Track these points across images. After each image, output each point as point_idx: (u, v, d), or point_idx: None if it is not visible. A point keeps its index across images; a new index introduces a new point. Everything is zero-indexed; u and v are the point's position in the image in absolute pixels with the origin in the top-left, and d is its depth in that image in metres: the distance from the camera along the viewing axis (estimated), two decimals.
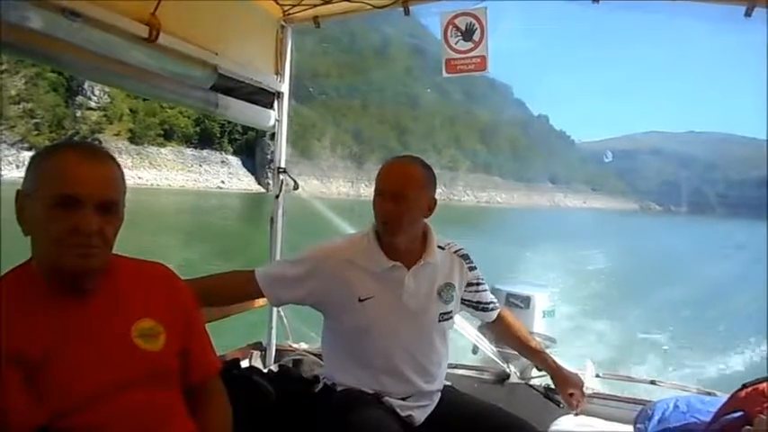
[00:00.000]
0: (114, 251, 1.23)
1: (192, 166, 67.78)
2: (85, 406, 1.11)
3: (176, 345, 1.28)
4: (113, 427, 1.14)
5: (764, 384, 1.73)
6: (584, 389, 2.04)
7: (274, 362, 2.89)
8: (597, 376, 2.69)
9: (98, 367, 1.15)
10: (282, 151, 2.88)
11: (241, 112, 2.63)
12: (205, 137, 69.75)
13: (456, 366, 2.68)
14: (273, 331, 2.90)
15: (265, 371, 2.52)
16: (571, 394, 1.98)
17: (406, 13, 2.60)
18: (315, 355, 2.78)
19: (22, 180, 1.16)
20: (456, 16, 2.57)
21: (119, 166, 1.22)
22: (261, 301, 2.22)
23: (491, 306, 2.08)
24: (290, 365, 2.79)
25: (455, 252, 1.98)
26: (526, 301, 3.57)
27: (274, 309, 2.83)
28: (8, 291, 1.13)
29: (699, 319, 9.86)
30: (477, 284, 2.02)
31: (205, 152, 69.68)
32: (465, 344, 2.82)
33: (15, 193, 1.16)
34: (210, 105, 2.43)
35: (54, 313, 1.14)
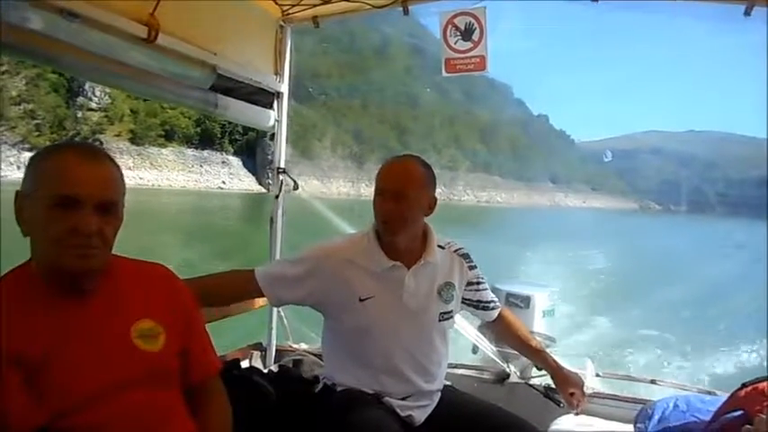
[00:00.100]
0: (114, 251, 1.23)
1: (192, 166, 67.85)
2: (85, 406, 1.11)
3: (176, 345, 1.28)
4: (113, 428, 1.14)
5: (764, 383, 1.74)
6: (585, 388, 2.04)
7: (274, 362, 2.89)
8: (597, 375, 2.69)
9: (98, 368, 1.15)
10: (282, 151, 2.88)
11: (240, 112, 2.62)
12: (206, 137, 69.83)
13: (456, 366, 2.68)
14: (273, 332, 2.90)
15: (265, 371, 2.52)
16: (572, 394, 1.98)
17: (406, 12, 2.59)
18: (315, 355, 2.78)
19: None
20: (455, 16, 2.57)
21: (118, 166, 1.22)
22: (261, 302, 2.22)
23: (492, 305, 2.07)
24: (291, 366, 2.79)
25: (455, 251, 1.98)
26: (526, 300, 3.57)
27: (274, 309, 2.83)
28: (8, 291, 1.13)
29: (699, 318, 9.87)
30: (478, 283, 2.02)
31: (206, 153, 69.76)
32: (465, 343, 2.82)
33: (14, 194, 1.16)
34: (210, 106, 2.43)
35: (54, 314, 1.14)
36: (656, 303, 10.53)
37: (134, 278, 1.29)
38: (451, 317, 1.96)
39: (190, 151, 68.85)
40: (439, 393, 1.94)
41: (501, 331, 2.19)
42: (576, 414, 2.07)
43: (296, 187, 2.87)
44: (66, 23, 1.72)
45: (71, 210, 1.11)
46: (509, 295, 3.54)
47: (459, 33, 2.57)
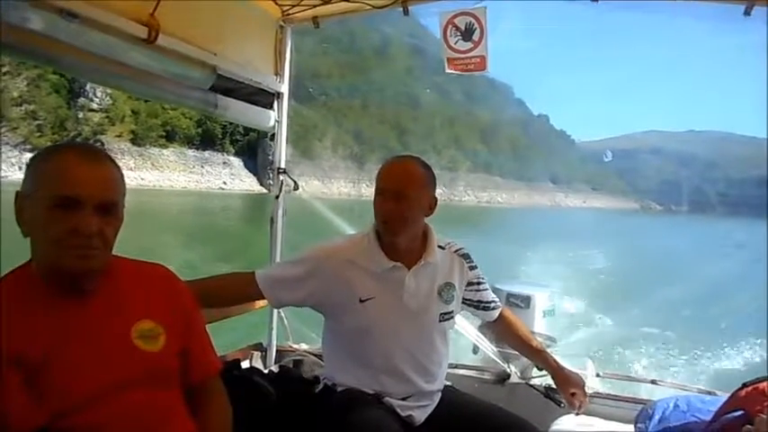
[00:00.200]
0: (116, 252, 1.23)
1: (193, 167, 67.95)
2: (85, 407, 1.11)
3: (176, 345, 1.28)
4: (113, 428, 1.14)
5: (765, 383, 1.73)
6: (585, 388, 2.03)
7: (275, 362, 2.89)
8: (598, 376, 2.69)
9: (98, 368, 1.15)
10: (282, 152, 2.88)
11: (240, 112, 2.62)
12: (207, 138, 69.93)
13: (456, 366, 2.67)
14: (274, 332, 2.90)
15: (266, 371, 2.52)
16: (573, 394, 1.98)
17: (406, 13, 2.59)
18: (315, 355, 2.78)
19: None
20: (455, 16, 2.57)
21: (118, 167, 1.22)
22: (261, 303, 2.22)
23: (492, 305, 2.07)
24: (291, 366, 2.79)
25: (455, 251, 1.98)
26: (526, 300, 3.57)
27: (275, 310, 2.82)
28: (8, 292, 1.13)
29: (699, 317, 9.87)
30: (478, 284, 2.02)
31: (207, 153, 69.85)
32: (465, 343, 2.81)
33: (15, 195, 1.16)
34: (210, 106, 2.43)
35: (54, 314, 1.14)
36: (657, 303, 10.53)
37: (134, 278, 1.29)
38: (452, 317, 1.96)
39: (191, 152, 68.94)
40: (439, 393, 1.94)
41: (501, 331, 2.18)
42: (577, 414, 2.07)
43: (296, 187, 2.87)
44: (66, 24, 1.72)
45: (71, 210, 1.11)
46: (509, 295, 3.54)
47: (459, 33, 2.57)
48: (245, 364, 2.55)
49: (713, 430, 1.78)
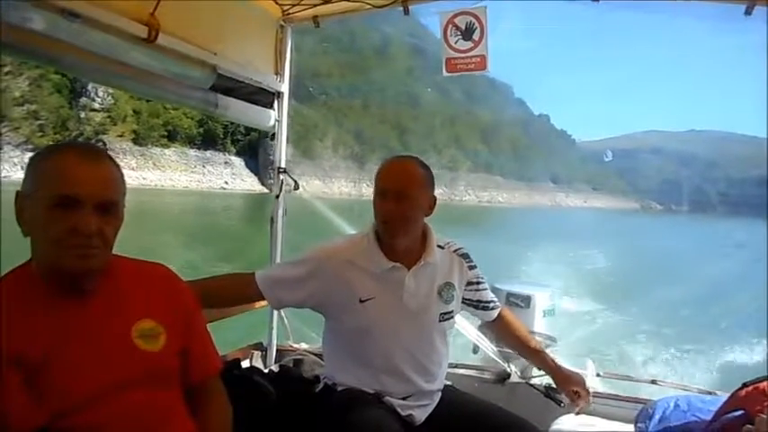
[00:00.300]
0: (116, 251, 1.23)
1: (195, 166, 68.02)
2: (86, 406, 1.11)
3: (176, 345, 1.28)
4: (113, 428, 1.14)
5: (765, 383, 1.73)
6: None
7: (275, 362, 2.89)
8: (598, 375, 2.69)
9: (98, 368, 1.15)
10: (282, 151, 2.88)
11: (241, 112, 2.62)
12: (208, 138, 70.01)
13: (456, 366, 2.67)
14: (274, 331, 2.90)
15: (266, 371, 2.53)
16: (576, 393, 1.98)
17: (406, 12, 2.59)
18: (315, 355, 2.78)
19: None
20: (455, 15, 2.57)
21: (118, 166, 1.22)
22: (261, 303, 2.22)
23: (491, 305, 2.07)
24: (291, 365, 2.79)
25: (455, 251, 1.98)
26: (526, 300, 3.56)
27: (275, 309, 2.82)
28: (8, 292, 1.13)
29: (699, 317, 9.87)
30: (478, 283, 2.02)
31: (208, 153, 69.93)
32: (466, 343, 2.81)
33: (15, 194, 1.16)
34: (210, 106, 2.43)
35: (54, 314, 1.14)
36: (657, 302, 10.53)
37: (134, 278, 1.29)
38: (452, 317, 1.96)
39: (192, 152, 69.02)
40: (439, 393, 1.94)
41: (500, 332, 2.18)
42: (578, 414, 2.07)
43: (296, 187, 2.87)
44: (67, 23, 1.72)
45: (71, 210, 1.11)
46: (510, 295, 3.52)
47: (459, 33, 2.57)
48: (245, 364, 2.55)
49: (713, 430, 1.78)
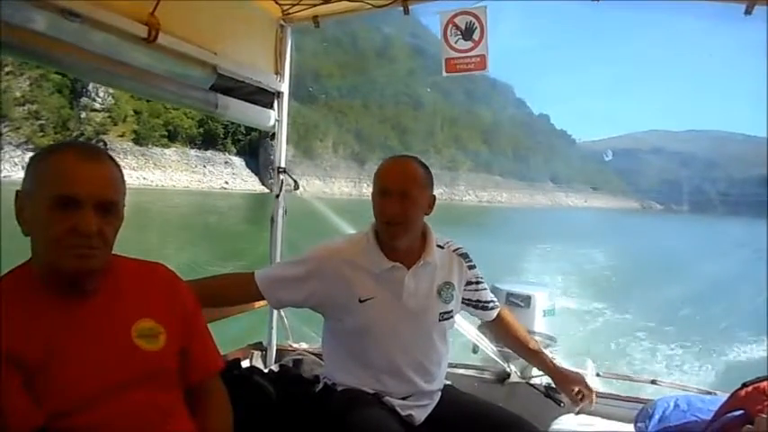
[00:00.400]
0: (116, 251, 1.23)
1: (195, 166, 68.12)
2: (86, 406, 1.11)
3: (176, 345, 1.28)
4: (113, 428, 1.14)
5: (765, 383, 1.73)
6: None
7: (275, 362, 2.89)
8: (598, 375, 2.69)
9: (98, 367, 1.15)
10: (282, 151, 2.88)
11: (241, 112, 2.62)
12: (209, 138, 70.13)
13: (456, 366, 2.67)
14: (274, 331, 2.90)
15: (266, 371, 2.52)
16: (578, 392, 1.98)
17: (406, 12, 2.59)
18: (315, 354, 2.78)
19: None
20: (455, 15, 2.57)
21: (118, 166, 1.22)
22: (261, 302, 2.22)
23: (491, 305, 2.07)
24: (291, 365, 2.79)
25: (454, 251, 1.98)
26: (526, 300, 3.55)
27: (275, 309, 2.83)
28: (8, 292, 1.13)
29: (700, 316, 9.87)
30: (477, 283, 2.02)
31: (209, 153, 70.04)
32: (465, 343, 2.81)
33: (15, 194, 1.16)
34: (210, 105, 2.42)
35: (54, 314, 1.14)
36: (657, 302, 10.54)
37: (134, 278, 1.29)
38: (451, 317, 1.95)
39: (193, 152, 69.15)
40: (439, 393, 1.94)
41: (499, 332, 2.18)
42: (578, 413, 2.07)
43: (296, 187, 2.87)
44: (68, 23, 1.71)
45: (71, 210, 1.10)
46: (509, 295, 3.52)
47: (459, 33, 2.57)
48: (245, 364, 2.55)
49: (713, 430, 1.78)
